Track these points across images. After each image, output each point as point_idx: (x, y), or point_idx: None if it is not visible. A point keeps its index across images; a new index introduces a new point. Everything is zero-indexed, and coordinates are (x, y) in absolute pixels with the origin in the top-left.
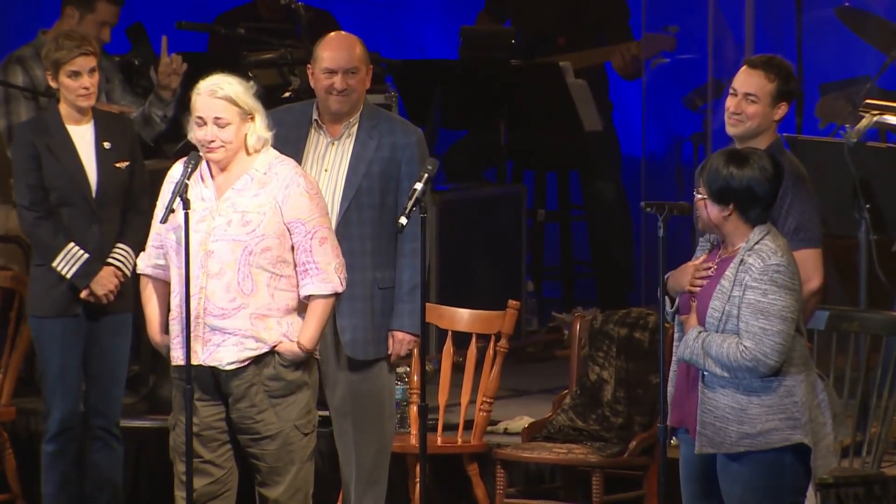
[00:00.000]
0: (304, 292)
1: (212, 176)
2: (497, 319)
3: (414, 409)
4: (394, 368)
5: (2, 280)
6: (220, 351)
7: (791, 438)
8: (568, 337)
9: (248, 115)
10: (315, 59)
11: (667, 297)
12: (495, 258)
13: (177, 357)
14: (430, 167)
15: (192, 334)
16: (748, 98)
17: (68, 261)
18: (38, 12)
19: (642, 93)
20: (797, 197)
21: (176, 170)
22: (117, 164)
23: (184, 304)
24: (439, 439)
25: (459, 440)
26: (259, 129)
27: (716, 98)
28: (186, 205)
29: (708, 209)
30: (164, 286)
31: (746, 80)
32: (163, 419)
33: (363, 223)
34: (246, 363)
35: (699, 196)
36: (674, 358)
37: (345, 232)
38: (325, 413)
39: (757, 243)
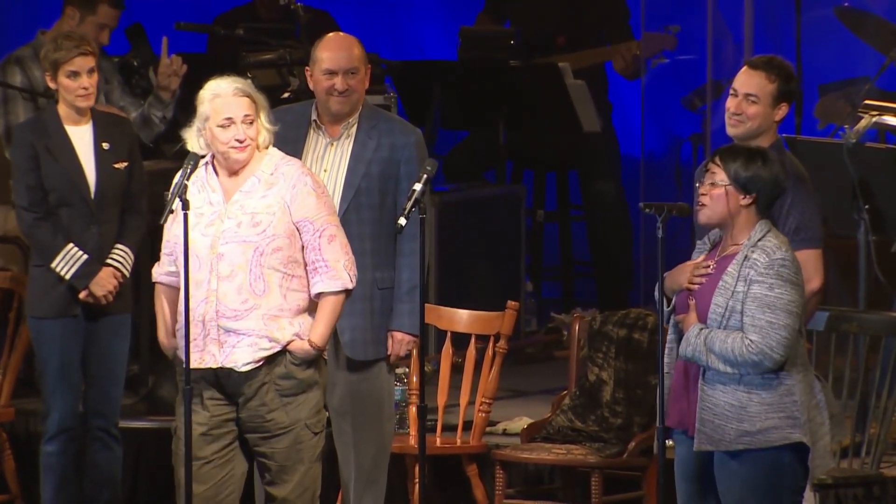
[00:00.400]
0: (314, 290)
1: (218, 180)
2: (496, 320)
3: (413, 409)
4: (393, 369)
5: (1, 281)
6: (236, 352)
7: (790, 437)
8: (567, 337)
9: (258, 112)
10: (314, 61)
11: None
12: (494, 259)
13: (191, 360)
14: (429, 168)
15: (206, 337)
16: (749, 98)
17: (67, 261)
18: (37, 13)
19: (641, 93)
20: (798, 197)
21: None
22: (116, 165)
23: (201, 307)
24: (438, 440)
25: (458, 441)
26: (266, 124)
27: (715, 98)
28: (186, 205)
29: (728, 197)
30: (176, 293)
31: (747, 81)
32: (162, 420)
33: (362, 223)
34: (260, 363)
35: (713, 183)
36: (666, 360)
37: (344, 232)
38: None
39: (760, 240)
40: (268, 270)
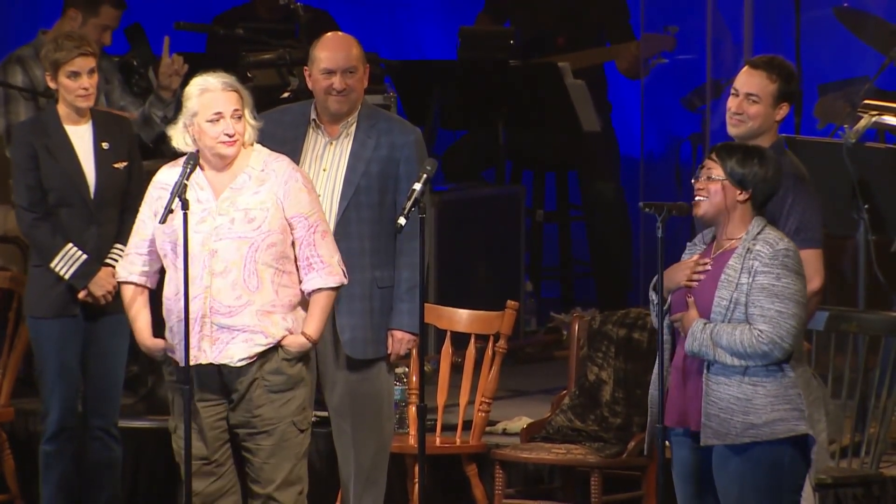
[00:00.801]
0: (309, 286)
1: (206, 177)
2: (496, 320)
3: (413, 409)
4: (393, 368)
5: (0, 280)
6: (230, 348)
7: (796, 429)
8: (567, 337)
9: (245, 108)
10: (312, 61)
11: (654, 293)
12: (494, 258)
13: (182, 358)
14: (428, 167)
15: (199, 334)
16: (750, 98)
17: (66, 262)
18: (37, 12)
19: (641, 93)
20: (798, 197)
21: (163, 174)
22: (116, 165)
23: (183, 305)
24: (438, 439)
25: (458, 440)
26: (251, 120)
27: (714, 98)
28: (185, 205)
29: (725, 192)
30: (147, 292)
31: (748, 81)
32: (161, 420)
33: (362, 222)
34: (254, 359)
35: (710, 178)
36: (657, 360)
37: (343, 231)
38: (324, 413)
39: (759, 233)
40: (261, 266)
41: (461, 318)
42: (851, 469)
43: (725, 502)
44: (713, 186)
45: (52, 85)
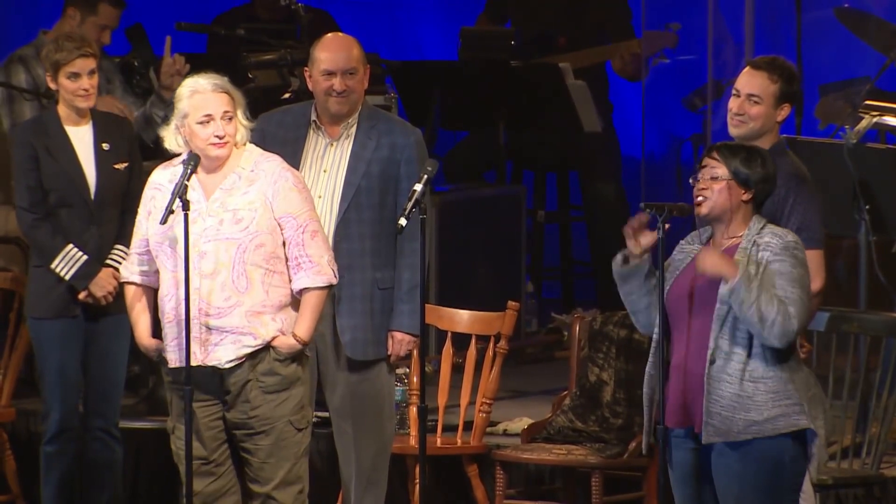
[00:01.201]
0: (298, 286)
1: (198, 178)
2: (496, 320)
3: (413, 410)
4: (393, 369)
5: (1, 281)
6: (219, 350)
7: (798, 424)
8: (567, 338)
9: (237, 109)
10: (312, 62)
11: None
12: (495, 259)
13: (173, 360)
14: (429, 168)
15: (190, 335)
16: (751, 99)
17: (67, 262)
18: (38, 12)
19: (642, 94)
20: (800, 198)
21: (157, 174)
22: (116, 166)
23: (184, 306)
24: (439, 440)
25: (459, 441)
26: (243, 120)
27: (715, 99)
28: (186, 206)
29: (730, 191)
30: (149, 292)
31: (750, 82)
32: (162, 420)
33: (362, 223)
34: (243, 360)
35: (714, 177)
36: (651, 361)
37: (344, 232)
38: (325, 414)
39: (762, 229)
40: (250, 267)
41: (462, 318)
42: (852, 470)
43: (725, 501)
44: (717, 185)
45: (52, 86)
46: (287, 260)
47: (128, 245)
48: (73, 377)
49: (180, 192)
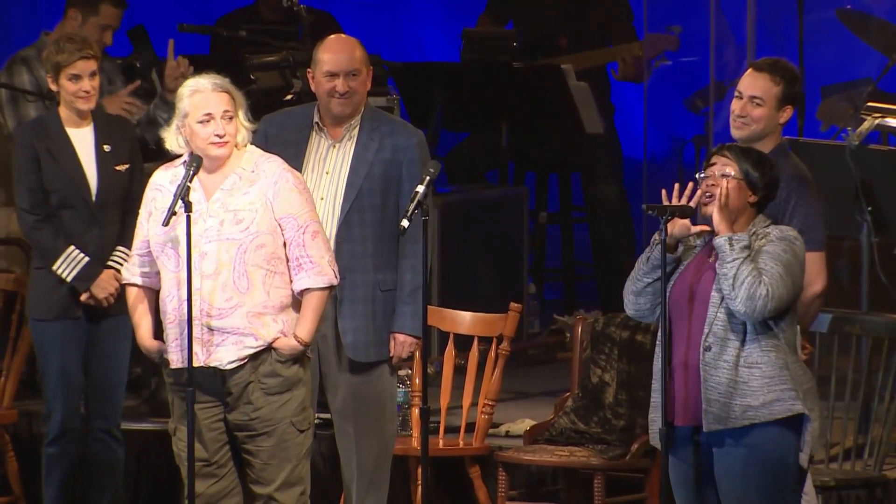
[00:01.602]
0: (299, 286)
1: (198, 178)
2: (499, 322)
3: (415, 411)
4: (395, 371)
5: (4, 282)
6: (220, 350)
7: (793, 409)
8: (570, 339)
9: (238, 109)
10: (315, 63)
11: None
12: (497, 260)
13: (175, 360)
14: (431, 169)
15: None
16: (753, 101)
17: (68, 264)
18: (38, 13)
19: (644, 95)
20: (801, 199)
21: (157, 175)
22: (117, 167)
23: (185, 306)
24: (441, 442)
25: (461, 443)
26: (244, 122)
27: (717, 100)
28: (188, 207)
29: (740, 191)
30: (151, 294)
31: (752, 83)
32: (164, 422)
33: (364, 225)
34: (245, 361)
35: (726, 175)
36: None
37: (346, 234)
38: (327, 415)
39: (765, 228)
40: (251, 268)
41: (464, 320)
42: (854, 471)
43: (726, 495)
44: (731, 184)
45: (53, 87)
46: (288, 261)
47: (129, 246)
48: (75, 379)
49: (182, 194)
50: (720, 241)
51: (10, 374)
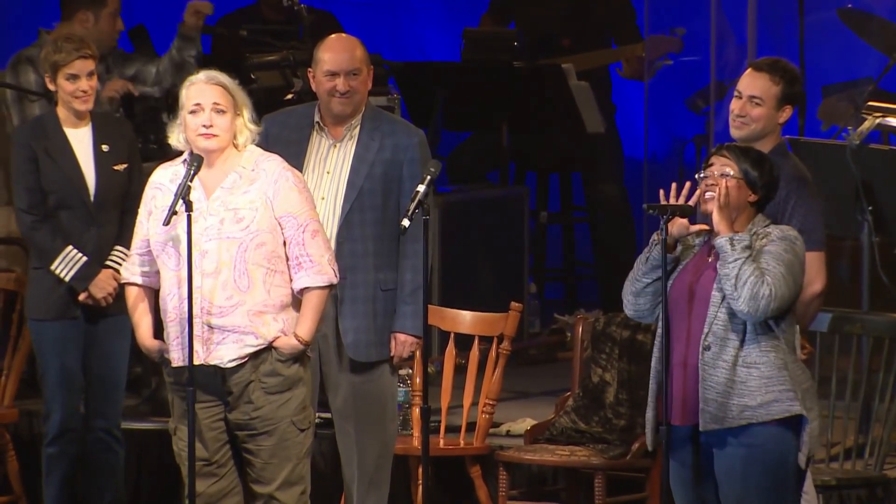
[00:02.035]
0: (299, 285)
1: (198, 177)
2: (499, 321)
3: (416, 411)
4: (396, 370)
5: (4, 282)
6: (221, 349)
7: (791, 410)
8: (570, 339)
9: (238, 109)
10: (316, 62)
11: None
12: (497, 260)
13: (175, 358)
14: (432, 169)
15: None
16: (753, 101)
17: (67, 264)
18: (38, 13)
19: (645, 95)
20: (801, 199)
21: (157, 174)
22: (115, 167)
23: (186, 304)
24: (441, 441)
25: (462, 442)
26: (248, 123)
27: (718, 100)
28: (189, 207)
29: (739, 190)
30: (151, 293)
31: (751, 83)
32: (164, 421)
33: (365, 224)
34: (245, 360)
35: (726, 175)
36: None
37: (347, 233)
38: (327, 415)
39: (765, 227)
40: (252, 266)
41: (465, 319)
42: (855, 471)
43: (726, 495)
44: (731, 183)
45: (50, 87)
46: (288, 259)
47: (127, 246)
48: (75, 378)
49: (183, 193)
50: (721, 241)
51: (11, 373)
